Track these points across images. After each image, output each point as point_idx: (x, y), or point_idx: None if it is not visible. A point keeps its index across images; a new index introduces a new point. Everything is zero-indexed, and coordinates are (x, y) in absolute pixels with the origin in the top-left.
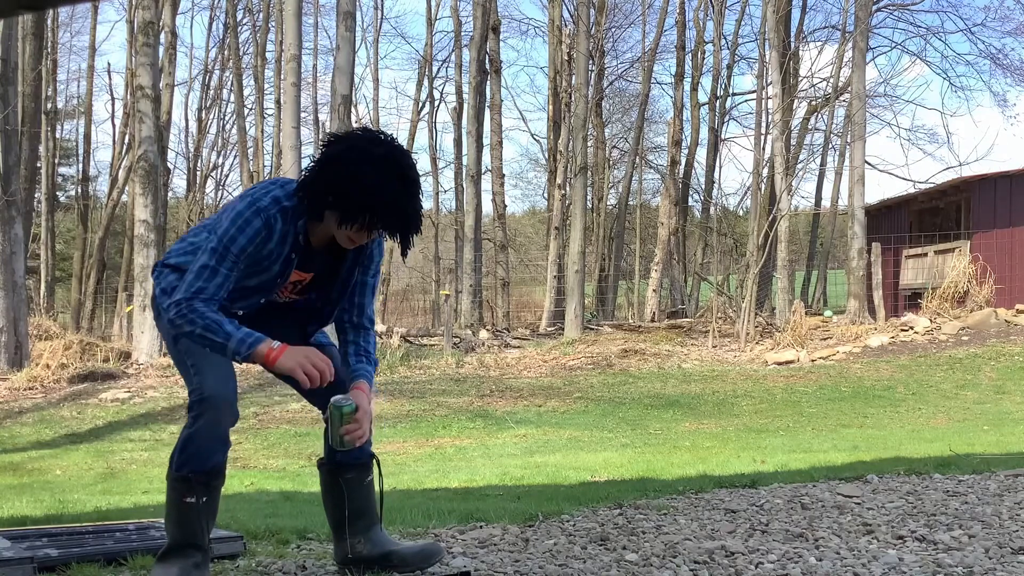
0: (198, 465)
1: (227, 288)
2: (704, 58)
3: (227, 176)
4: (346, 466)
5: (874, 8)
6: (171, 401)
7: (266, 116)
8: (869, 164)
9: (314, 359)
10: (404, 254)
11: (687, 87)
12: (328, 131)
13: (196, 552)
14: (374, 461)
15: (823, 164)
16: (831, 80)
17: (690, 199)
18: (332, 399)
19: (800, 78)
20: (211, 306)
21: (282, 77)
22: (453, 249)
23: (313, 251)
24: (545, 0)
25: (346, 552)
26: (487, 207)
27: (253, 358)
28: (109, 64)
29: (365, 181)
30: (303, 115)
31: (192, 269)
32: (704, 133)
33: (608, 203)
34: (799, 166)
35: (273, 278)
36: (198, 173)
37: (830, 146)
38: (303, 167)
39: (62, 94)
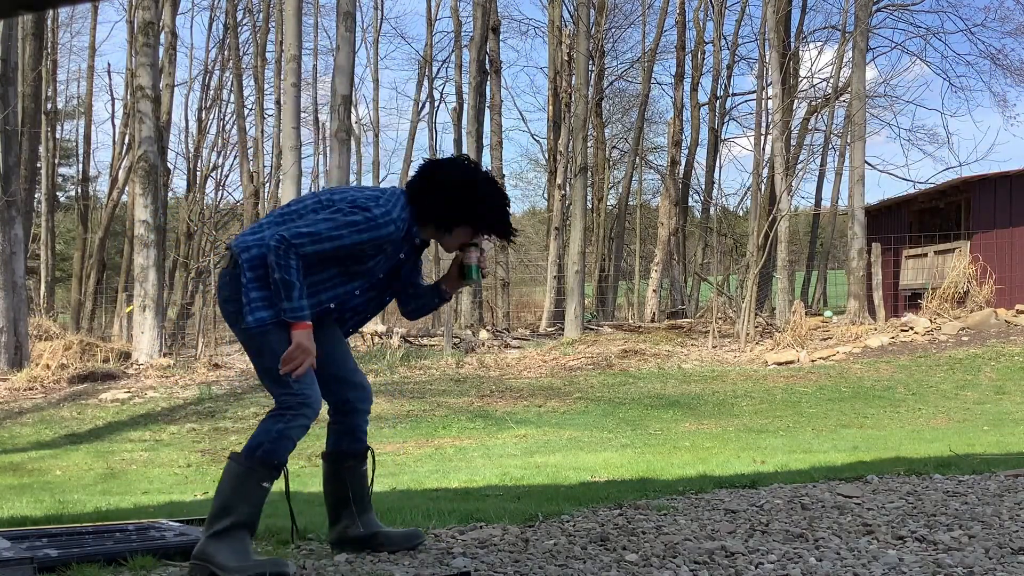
0: (283, 456)
1: (317, 256)
2: (704, 58)
3: (227, 176)
4: (346, 455)
5: (874, 8)
6: (171, 401)
7: (266, 116)
8: (869, 164)
9: (304, 359)
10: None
11: (687, 87)
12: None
13: (251, 531)
14: (369, 453)
15: (823, 164)
16: (831, 80)
17: (690, 199)
18: (466, 262)
19: (800, 78)
20: (299, 263)
21: (282, 77)
22: None
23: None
24: (545, 0)
25: (340, 533)
26: None
27: (288, 323)
28: (109, 64)
29: (492, 206)
30: (303, 115)
31: (306, 221)
32: (704, 133)
33: (608, 203)
34: (799, 166)
35: (377, 271)
36: (198, 173)
37: (830, 146)
38: (420, 184)
39: (62, 94)
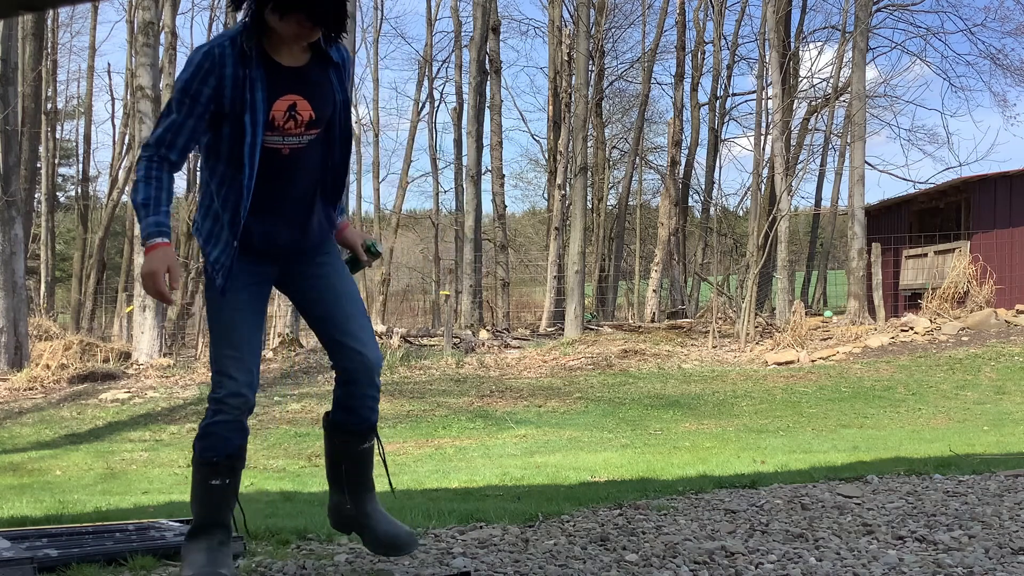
0: (220, 451)
1: (188, 132)
2: (704, 58)
3: None
4: (340, 429)
5: (874, 8)
6: (171, 401)
7: None
8: (869, 164)
9: (159, 284)
10: (329, 41)
11: (687, 87)
12: None
13: (220, 530)
14: (375, 437)
15: (823, 164)
16: (831, 80)
17: (690, 199)
18: (367, 241)
19: (800, 78)
20: (164, 166)
21: None
22: (453, 249)
23: (286, 69)
24: (545, 0)
25: (335, 507)
26: (487, 207)
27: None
28: (109, 64)
29: None
30: None
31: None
32: (704, 133)
33: (608, 203)
34: (799, 166)
35: (262, 105)
36: (198, 173)
37: (830, 146)
38: None
39: (62, 94)
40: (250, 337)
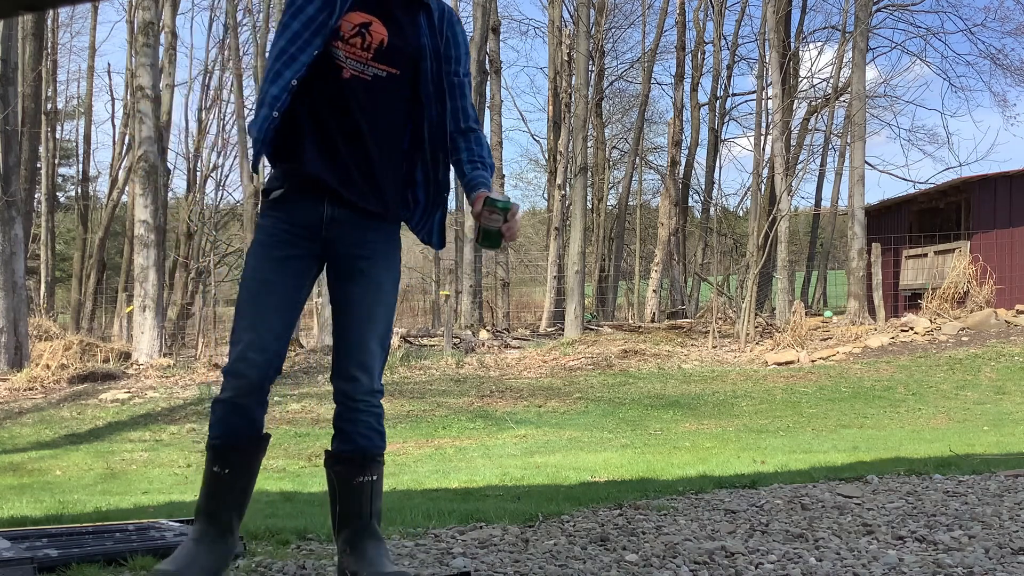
0: (219, 432)
1: (290, 49)
2: (704, 58)
3: (227, 176)
4: (337, 458)
5: (874, 8)
6: (171, 401)
7: None
8: (869, 164)
9: None
10: None
11: (687, 87)
12: None
13: (214, 526)
14: (373, 465)
15: (823, 164)
16: (831, 80)
17: (690, 199)
18: (488, 195)
19: (800, 78)
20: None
21: None
22: (453, 249)
23: None
24: (545, 0)
25: (337, 554)
26: None
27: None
28: (109, 64)
29: None
30: None
31: None
32: (704, 133)
33: (608, 203)
34: (799, 166)
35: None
36: (198, 173)
37: (830, 146)
38: None
39: (62, 94)
40: (270, 314)
